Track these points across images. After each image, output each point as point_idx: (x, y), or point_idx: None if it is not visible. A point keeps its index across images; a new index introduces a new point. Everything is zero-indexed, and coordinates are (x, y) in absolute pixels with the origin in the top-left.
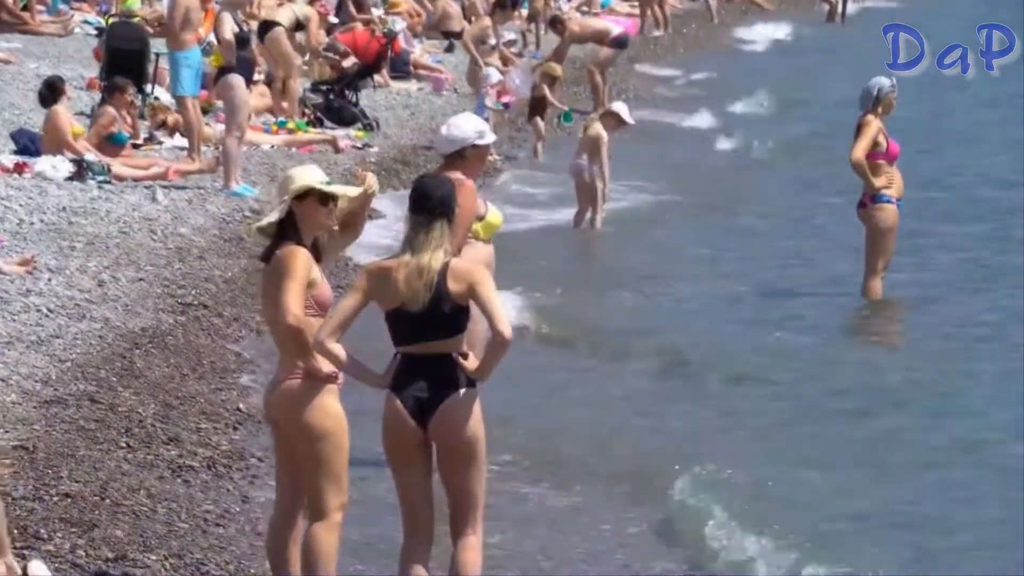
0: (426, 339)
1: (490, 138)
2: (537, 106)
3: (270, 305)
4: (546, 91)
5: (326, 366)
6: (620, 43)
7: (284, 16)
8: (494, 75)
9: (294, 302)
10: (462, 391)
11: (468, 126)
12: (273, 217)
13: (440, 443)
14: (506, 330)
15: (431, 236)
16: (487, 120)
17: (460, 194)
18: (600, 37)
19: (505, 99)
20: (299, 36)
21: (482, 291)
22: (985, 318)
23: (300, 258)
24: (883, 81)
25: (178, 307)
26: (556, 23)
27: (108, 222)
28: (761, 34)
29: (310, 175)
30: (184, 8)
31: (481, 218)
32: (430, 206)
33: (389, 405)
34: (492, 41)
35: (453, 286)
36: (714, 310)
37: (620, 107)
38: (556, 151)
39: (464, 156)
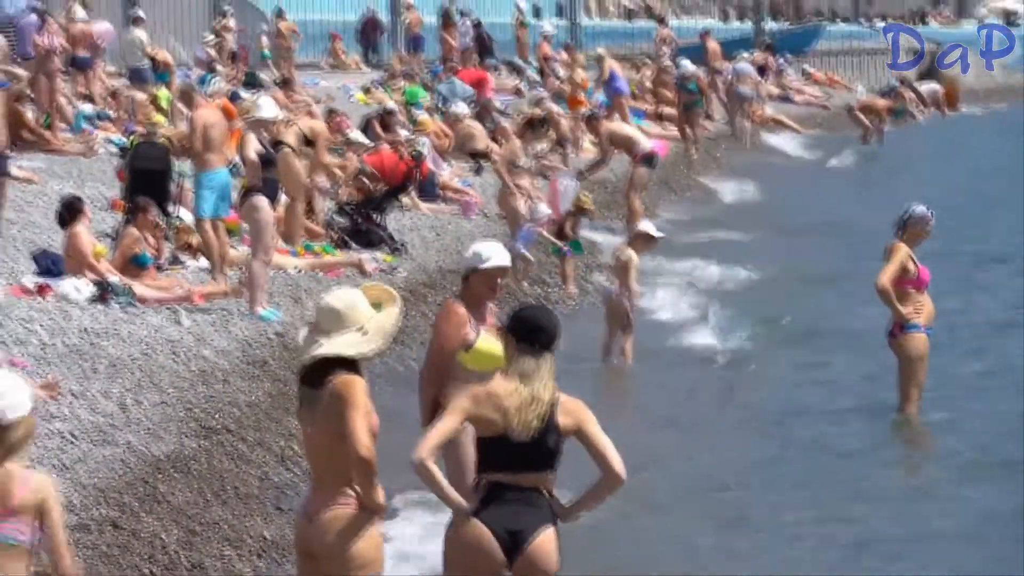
0: (524, 470)
1: (494, 263)
2: (559, 229)
3: (325, 433)
4: (569, 219)
5: (381, 498)
6: (649, 161)
7: (291, 136)
8: (543, 210)
9: (364, 433)
10: (552, 528)
11: (472, 250)
12: (355, 350)
13: None
14: (621, 470)
15: (542, 368)
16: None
17: (441, 318)
18: (629, 146)
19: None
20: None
21: (591, 429)
22: None
23: (362, 388)
24: (916, 210)
25: (201, 431)
26: (591, 120)
27: (130, 344)
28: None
29: (370, 306)
30: (203, 127)
31: (468, 347)
32: (543, 338)
33: (470, 530)
34: (522, 162)
35: (563, 420)
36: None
37: (647, 226)
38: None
39: (467, 280)
